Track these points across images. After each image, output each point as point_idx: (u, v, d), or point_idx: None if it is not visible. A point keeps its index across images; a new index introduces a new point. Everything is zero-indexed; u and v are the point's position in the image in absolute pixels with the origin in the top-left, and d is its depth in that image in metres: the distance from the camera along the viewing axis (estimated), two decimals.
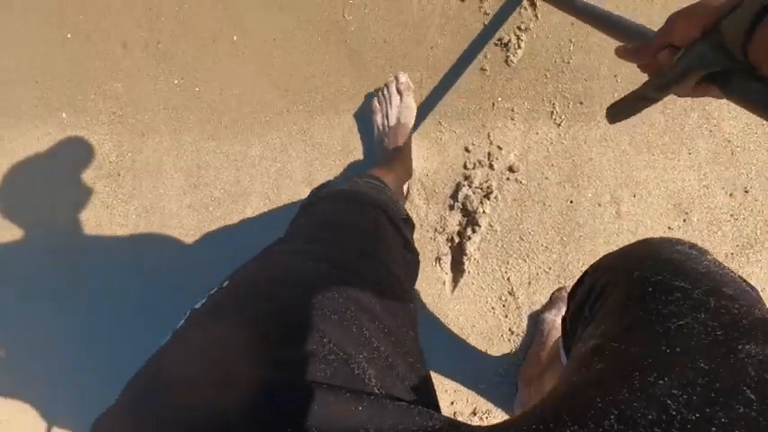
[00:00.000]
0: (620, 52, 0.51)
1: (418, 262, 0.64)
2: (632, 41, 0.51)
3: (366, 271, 0.48)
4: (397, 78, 1.07)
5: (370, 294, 0.44)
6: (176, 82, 1.20)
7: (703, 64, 0.38)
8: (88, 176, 1.22)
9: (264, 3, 1.17)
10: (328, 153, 1.13)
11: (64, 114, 1.23)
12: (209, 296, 0.43)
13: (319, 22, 1.15)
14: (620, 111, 0.51)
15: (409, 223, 0.68)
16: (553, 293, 0.99)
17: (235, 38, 1.18)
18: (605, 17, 0.61)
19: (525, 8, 1.08)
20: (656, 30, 0.47)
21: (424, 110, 1.10)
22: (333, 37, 1.14)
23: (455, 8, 1.10)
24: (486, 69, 1.08)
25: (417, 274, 0.64)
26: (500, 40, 1.08)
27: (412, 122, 1.06)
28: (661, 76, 0.43)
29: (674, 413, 0.27)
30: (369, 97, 1.12)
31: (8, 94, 1.27)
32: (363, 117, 1.12)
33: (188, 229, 1.18)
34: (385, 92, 1.07)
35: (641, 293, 0.37)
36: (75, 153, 1.22)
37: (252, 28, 1.17)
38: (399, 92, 1.06)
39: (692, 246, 0.44)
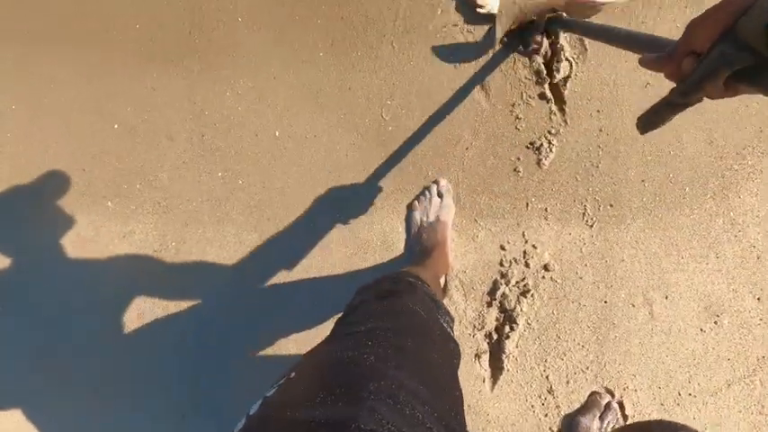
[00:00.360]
0: (644, 62, 0.51)
1: (459, 351, 0.67)
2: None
3: (414, 360, 0.52)
4: (437, 182, 1.13)
5: (417, 381, 0.49)
6: (220, 174, 1.25)
7: (727, 63, 0.39)
8: (131, 265, 1.25)
9: (306, 100, 1.23)
10: (368, 248, 1.17)
11: (110, 203, 1.28)
12: (279, 385, 0.48)
13: (359, 121, 1.21)
14: (649, 120, 0.51)
15: (449, 315, 0.73)
16: (589, 397, 1.02)
17: (277, 133, 1.24)
18: (624, 35, 0.62)
19: (555, 113, 1.16)
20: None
21: (460, 208, 1.15)
22: (372, 135, 1.21)
23: (488, 112, 1.17)
24: (519, 171, 1.14)
25: (459, 362, 0.67)
26: (532, 143, 1.15)
27: (451, 220, 1.12)
28: (686, 81, 0.43)
29: None
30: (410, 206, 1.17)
31: (56, 180, 1.31)
32: (403, 213, 1.18)
33: (233, 321, 1.21)
34: (426, 193, 1.13)
35: None
36: (120, 242, 1.26)
37: (293, 124, 1.23)
38: (440, 194, 1.12)
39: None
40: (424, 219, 1.10)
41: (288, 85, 1.24)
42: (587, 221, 1.10)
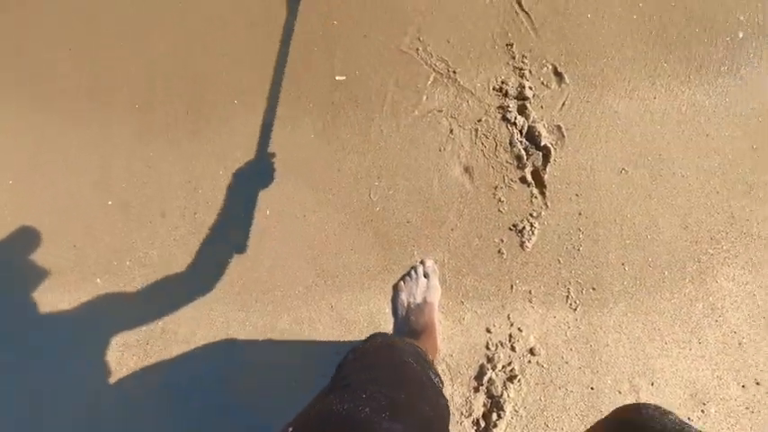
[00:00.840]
0: None
1: (449, 409, 0.67)
2: None
3: (408, 413, 0.53)
4: (423, 263, 1.15)
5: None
6: (210, 252, 1.27)
7: None
8: (117, 343, 1.24)
9: (297, 179, 1.28)
10: (354, 328, 1.18)
11: (98, 280, 1.28)
12: None
13: (347, 201, 1.25)
14: None
15: (439, 377, 0.74)
16: None
17: (268, 212, 1.27)
18: None
19: (536, 197, 1.20)
20: None
21: (446, 289, 1.17)
22: (360, 216, 1.24)
23: (472, 194, 1.22)
24: (503, 252, 1.17)
25: (449, 420, 0.66)
26: (515, 225, 1.18)
27: (437, 302, 1.13)
28: None
29: None
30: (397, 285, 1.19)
31: (47, 256, 1.32)
32: (390, 294, 1.19)
33: (217, 402, 1.19)
34: (412, 273, 1.14)
35: None
36: (106, 320, 1.26)
37: (283, 203, 1.27)
38: (426, 275, 1.14)
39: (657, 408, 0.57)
40: (411, 300, 1.11)
41: (280, 165, 1.29)
42: (571, 305, 1.12)
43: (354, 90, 1.33)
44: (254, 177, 1.29)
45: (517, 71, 1.29)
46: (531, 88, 1.27)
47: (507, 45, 1.30)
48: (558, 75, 1.28)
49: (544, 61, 1.29)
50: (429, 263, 1.15)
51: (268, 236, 1.26)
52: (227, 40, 1.39)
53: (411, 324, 1.09)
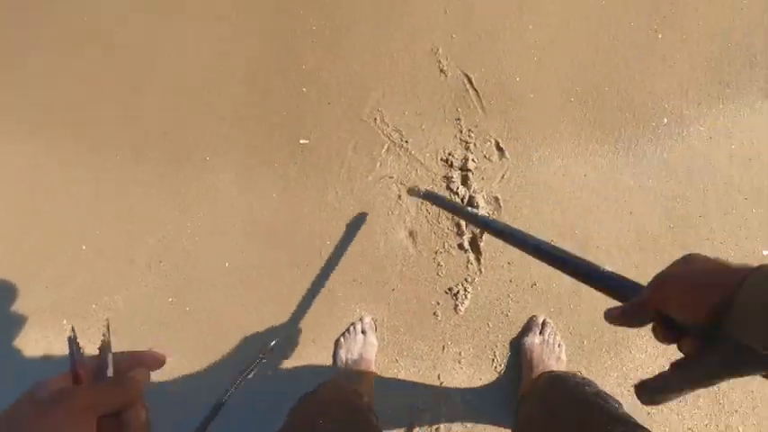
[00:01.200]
0: (610, 317, 0.44)
1: None
2: (598, 288, 0.49)
3: None
4: (361, 319, 1.24)
5: None
6: (170, 300, 1.37)
7: (730, 372, 0.35)
8: None
9: (256, 235, 1.38)
10: (299, 380, 1.26)
11: (65, 321, 1.38)
12: None
13: (300, 258, 1.35)
14: (654, 398, 0.42)
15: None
16: (529, 320, 1.18)
17: (227, 264, 1.38)
18: (568, 260, 0.55)
19: (471, 263, 1.30)
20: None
21: (383, 346, 1.25)
22: (309, 271, 1.34)
23: (414, 257, 1.32)
24: (437, 315, 1.26)
25: None
26: (450, 289, 1.28)
27: (373, 358, 1.21)
28: (692, 369, 0.38)
29: None
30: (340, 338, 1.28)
31: (19, 296, 1.42)
32: (330, 350, 1.28)
33: None
34: (351, 329, 1.23)
35: None
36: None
37: (243, 257, 1.37)
38: (363, 331, 1.23)
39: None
40: (349, 356, 1.20)
41: (242, 221, 1.40)
42: (496, 367, 1.20)
43: (316, 154, 1.45)
44: (216, 234, 1.40)
45: (463, 144, 1.41)
46: (474, 161, 1.38)
47: (456, 119, 1.42)
48: (500, 149, 1.40)
49: (488, 136, 1.41)
50: (367, 319, 1.24)
51: (225, 288, 1.36)
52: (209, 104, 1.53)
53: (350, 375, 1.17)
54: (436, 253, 1.32)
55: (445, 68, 1.44)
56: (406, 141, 1.42)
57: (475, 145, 1.40)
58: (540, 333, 1.14)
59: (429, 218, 1.35)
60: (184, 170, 1.47)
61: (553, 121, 1.40)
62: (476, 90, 1.44)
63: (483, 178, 1.37)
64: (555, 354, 1.12)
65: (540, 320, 1.19)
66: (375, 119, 1.45)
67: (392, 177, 1.40)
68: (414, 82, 1.46)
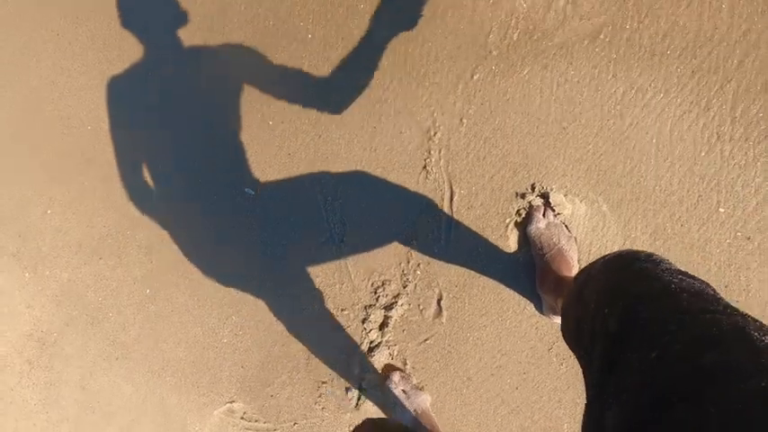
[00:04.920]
0: None
1: None
2: None
3: None
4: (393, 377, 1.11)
5: None
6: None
7: None
8: None
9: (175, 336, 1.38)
10: None
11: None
12: None
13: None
14: None
15: None
16: (530, 205, 1.07)
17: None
18: None
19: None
20: None
21: None
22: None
23: (302, 374, 1.20)
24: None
25: None
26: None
27: (429, 407, 1.11)
28: None
29: None
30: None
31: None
32: None
33: None
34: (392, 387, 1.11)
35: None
36: None
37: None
38: (404, 390, 1.10)
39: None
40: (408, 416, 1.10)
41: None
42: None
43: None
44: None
45: (403, 278, 1.16)
46: (403, 306, 1.14)
47: (412, 240, 1.16)
48: (439, 306, 1.12)
49: (435, 283, 1.13)
50: (396, 377, 1.11)
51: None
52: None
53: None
54: (324, 383, 1.18)
55: (432, 168, 1.14)
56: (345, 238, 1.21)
57: (414, 287, 1.14)
58: (544, 216, 1.05)
59: (332, 341, 1.19)
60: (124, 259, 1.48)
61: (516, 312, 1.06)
62: (452, 209, 1.13)
63: (404, 331, 1.14)
64: (565, 233, 1.04)
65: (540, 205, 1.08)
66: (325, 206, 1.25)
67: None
68: (382, 191, 1.19)
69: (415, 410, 1.08)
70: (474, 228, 1.11)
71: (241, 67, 1.32)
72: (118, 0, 1.44)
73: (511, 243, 1.09)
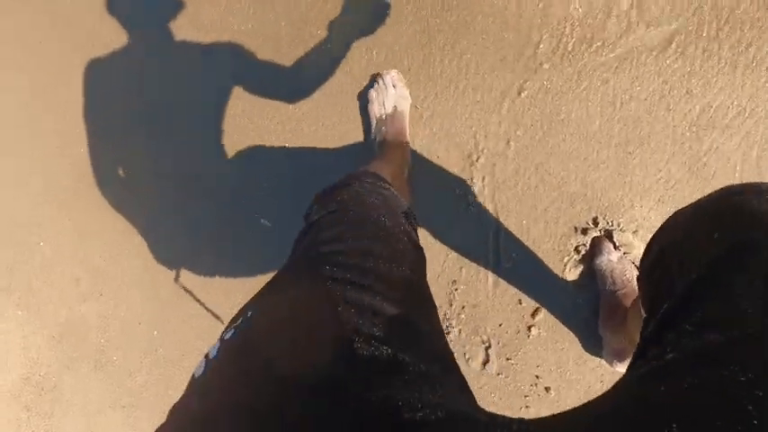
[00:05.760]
0: None
1: (424, 257, 0.63)
2: None
3: (384, 278, 0.49)
4: (388, 72, 1.07)
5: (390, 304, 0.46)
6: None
7: None
8: None
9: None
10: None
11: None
12: (237, 328, 0.44)
13: None
14: None
15: (414, 220, 0.69)
16: (593, 240, 0.96)
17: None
18: None
19: None
20: None
21: None
22: None
23: None
24: None
25: (425, 270, 0.62)
26: None
27: (407, 110, 1.06)
28: None
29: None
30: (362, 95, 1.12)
31: None
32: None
33: None
34: (380, 83, 1.07)
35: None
36: None
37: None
38: (393, 84, 1.06)
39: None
40: (382, 111, 1.06)
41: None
42: None
43: None
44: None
45: (445, 324, 1.03)
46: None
47: (452, 283, 1.03)
48: (487, 355, 1.00)
49: (481, 329, 1.00)
50: (393, 72, 1.07)
51: None
52: None
53: (382, 136, 1.05)
54: None
55: (475, 197, 1.01)
56: None
57: (459, 333, 1.02)
58: (616, 248, 0.94)
59: None
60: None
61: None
62: (499, 246, 1.00)
63: None
64: (635, 272, 0.92)
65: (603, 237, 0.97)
66: None
67: None
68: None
69: (394, 107, 1.03)
70: (526, 266, 0.98)
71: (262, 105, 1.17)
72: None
73: (569, 283, 0.97)
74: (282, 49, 1.15)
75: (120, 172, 1.31)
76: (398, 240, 0.56)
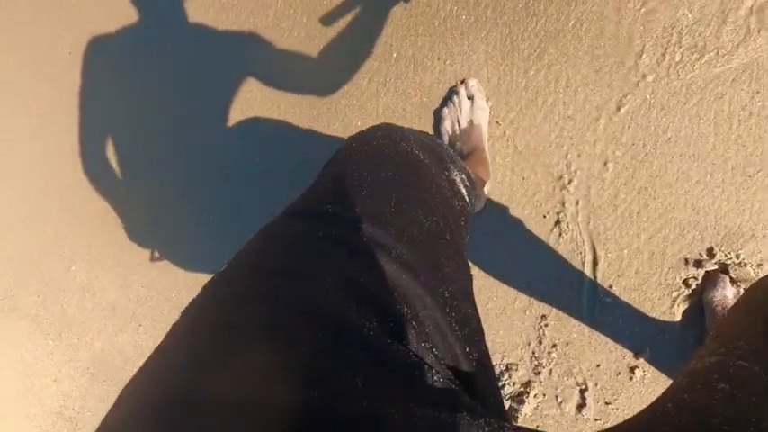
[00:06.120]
0: None
1: (464, 210, 0.53)
2: None
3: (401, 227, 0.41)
4: (465, 83, 0.97)
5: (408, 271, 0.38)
6: None
7: None
8: None
9: None
10: None
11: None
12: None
13: None
14: None
15: (469, 179, 0.59)
16: (706, 273, 0.86)
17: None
18: None
19: None
20: None
21: None
22: None
23: None
24: None
25: (467, 226, 0.52)
26: None
27: (485, 125, 0.96)
28: None
29: None
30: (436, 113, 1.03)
31: None
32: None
33: None
34: (454, 98, 0.98)
35: None
36: None
37: None
38: (470, 96, 0.97)
39: None
40: (456, 127, 0.96)
41: None
42: None
43: None
44: None
45: (534, 363, 0.93)
46: (536, 397, 0.92)
47: (541, 323, 0.93)
48: (583, 398, 0.90)
49: (576, 369, 0.91)
50: (472, 82, 0.97)
51: None
52: None
53: (457, 152, 0.95)
54: None
55: (567, 224, 0.91)
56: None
57: (550, 373, 0.93)
58: (733, 284, 0.83)
59: None
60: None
61: None
62: (596, 278, 0.91)
63: (537, 428, 0.92)
64: None
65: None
66: None
67: None
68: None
69: (470, 120, 0.94)
70: (627, 301, 0.89)
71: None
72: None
73: (677, 320, 0.87)
74: (358, 62, 1.05)
75: (157, 202, 1.21)
76: (432, 183, 0.47)
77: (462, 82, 0.97)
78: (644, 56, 0.88)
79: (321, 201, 0.43)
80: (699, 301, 0.86)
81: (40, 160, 1.31)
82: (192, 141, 1.18)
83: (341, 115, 1.07)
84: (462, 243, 0.48)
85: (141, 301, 1.23)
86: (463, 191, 0.55)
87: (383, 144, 0.50)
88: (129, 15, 1.21)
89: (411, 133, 0.55)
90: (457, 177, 0.55)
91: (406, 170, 0.47)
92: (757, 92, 0.83)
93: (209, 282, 0.39)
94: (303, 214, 0.43)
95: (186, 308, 0.38)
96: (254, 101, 1.13)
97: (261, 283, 0.36)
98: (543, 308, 0.93)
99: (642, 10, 0.87)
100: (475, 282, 0.95)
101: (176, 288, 1.20)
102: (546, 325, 0.93)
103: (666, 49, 0.87)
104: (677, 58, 0.86)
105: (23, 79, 1.33)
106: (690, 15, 0.86)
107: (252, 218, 1.14)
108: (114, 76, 1.24)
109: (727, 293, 0.83)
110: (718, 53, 0.84)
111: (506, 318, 0.95)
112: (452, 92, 0.98)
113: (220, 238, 1.16)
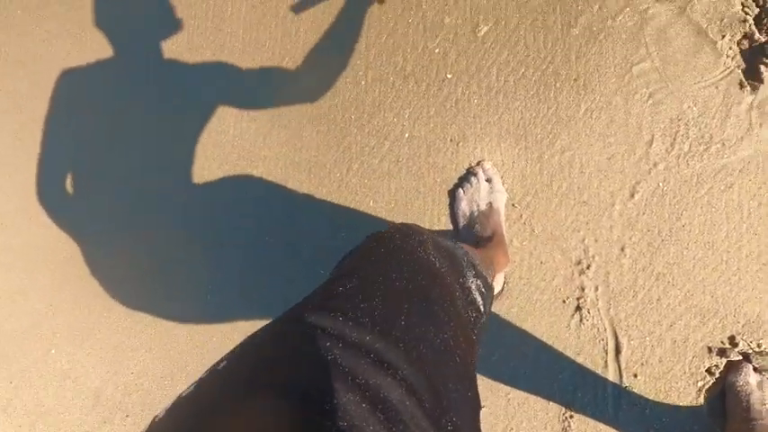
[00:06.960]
0: None
1: (483, 324, 0.53)
2: None
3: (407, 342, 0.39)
4: (481, 164, 0.96)
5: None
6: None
7: None
8: None
9: None
10: None
11: None
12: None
13: None
14: None
15: (486, 285, 0.58)
16: (728, 362, 0.84)
17: None
18: None
19: None
20: None
21: None
22: None
23: None
24: None
25: (479, 338, 0.52)
26: None
27: (503, 207, 0.94)
28: None
29: None
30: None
31: None
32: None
33: None
34: (472, 180, 0.96)
35: None
36: None
37: None
38: (488, 178, 0.95)
39: None
40: (474, 208, 0.94)
41: None
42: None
43: None
44: None
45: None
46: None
47: (564, 416, 0.90)
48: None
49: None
50: (488, 165, 0.96)
51: None
52: None
53: (475, 235, 0.93)
54: None
55: (587, 310, 0.90)
56: None
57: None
58: (756, 371, 0.83)
59: None
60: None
61: None
62: (619, 366, 0.89)
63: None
64: None
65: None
66: None
67: None
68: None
69: (489, 203, 0.93)
70: (652, 391, 0.87)
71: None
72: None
73: (704, 410, 0.86)
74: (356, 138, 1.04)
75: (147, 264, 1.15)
76: (447, 294, 0.46)
77: (479, 164, 0.98)
78: (654, 145, 0.90)
79: (332, 297, 0.42)
80: (720, 387, 0.85)
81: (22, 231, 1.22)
82: (191, 214, 1.13)
83: (352, 193, 1.05)
84: (472, 363, 0.47)
85: (129, 390, 1.13)
86: (478, 299, 0.55)
87: (401, 248, 0.50)
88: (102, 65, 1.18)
89: (430, 237, 0.55)
90: (473, 284, 0.55)
91: (421, 279, 0.47)
92: (764, 182, 0.86)
93: (207, 371, 0.38)
94: (315, 313, 0.41)
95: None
96: (262, 174, 1.10)
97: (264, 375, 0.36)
98: (566, 396, 0.90)
99: (649, 102, 0.91)
100: (494, 369, 0.92)
101: (170, 374, 1.11)
102: (570, 416, 0.90)
103: (675, 139, 0.90)
104: (686, 148, 0.89)
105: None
106: (695, 108, 0.89)
107: (254, 297, 1.08)
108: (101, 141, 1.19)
109: (750, 380, 0.82)
110: (723, 144, 0.88)
111: (529, 407, 0.92)
112: (469, 173, 0.99)
113: (219, 316, 1.10)
